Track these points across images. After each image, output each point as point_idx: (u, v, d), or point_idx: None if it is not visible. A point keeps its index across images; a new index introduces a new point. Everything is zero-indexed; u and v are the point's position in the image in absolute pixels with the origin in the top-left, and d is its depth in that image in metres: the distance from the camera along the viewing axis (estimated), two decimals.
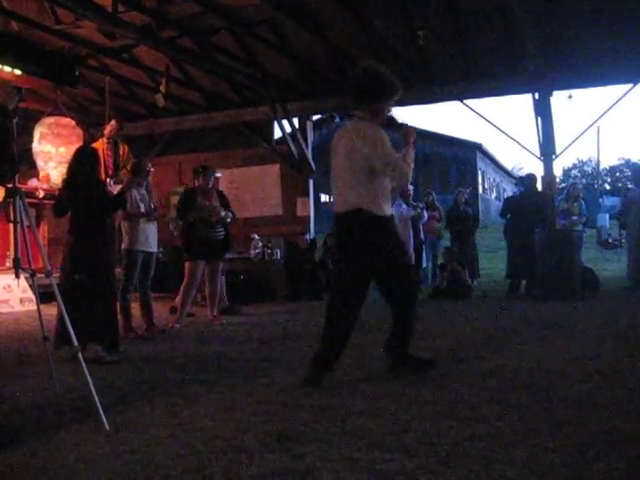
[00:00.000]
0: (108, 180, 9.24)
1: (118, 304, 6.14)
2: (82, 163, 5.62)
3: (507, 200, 12.57)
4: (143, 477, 2.60)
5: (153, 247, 7.02)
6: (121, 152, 10.05)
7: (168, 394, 4.06)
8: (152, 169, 7.22)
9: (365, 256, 4.19)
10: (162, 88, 10.99)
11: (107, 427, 3.25)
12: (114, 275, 5.82)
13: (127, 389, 4.27)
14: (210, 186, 8.08)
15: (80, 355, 3.51)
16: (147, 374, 4.80)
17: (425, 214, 11.01)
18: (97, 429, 3.24)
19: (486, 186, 38.28)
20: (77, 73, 10.47)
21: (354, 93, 4.33)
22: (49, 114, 11.71)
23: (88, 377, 3.39)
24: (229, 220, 8.05)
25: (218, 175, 9.17)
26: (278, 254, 11.48)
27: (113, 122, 10.10)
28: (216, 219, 7.83)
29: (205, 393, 4.06)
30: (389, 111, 4.40)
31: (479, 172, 35.73)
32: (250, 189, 9.26)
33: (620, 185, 46.08)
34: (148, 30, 9.25)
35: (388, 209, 4.27)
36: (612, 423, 3.08)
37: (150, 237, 6.95)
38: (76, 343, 3.54)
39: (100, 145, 9.60)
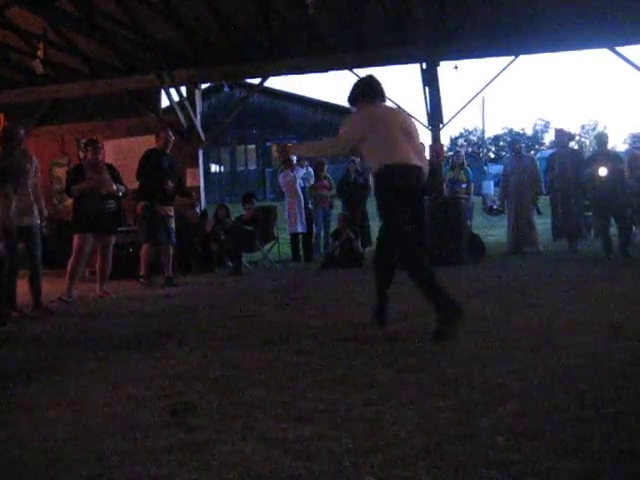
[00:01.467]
0: None
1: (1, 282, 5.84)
2: None
3: None
4: (33, 463, 2.49)
5: (32, 220, 6.67)
6: None
7: (56, 373, 3.91)
8: (25, 136, 6.83)
9: None
10: (40, 53, 10.41)
11: None
12: None
13: (12, 370, 4.08)
14: (99, 159, 7.82)
15: None
16: (33, 353, 4.61)
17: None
18: None
19: None
20: None
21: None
22: None
23: None
24: (121, 194, 7.89)
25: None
26: None
27: None
28: (107, 191, 7.62)
29: (96, 370, 3.95)
30: None
31: None
32: (137, 160, 8.97)
33: (504, 154, 47.96)
34: None
35: None
36: (497, 381, 3.22)
37: (27, 210, 6.58)
38: None
39: None
